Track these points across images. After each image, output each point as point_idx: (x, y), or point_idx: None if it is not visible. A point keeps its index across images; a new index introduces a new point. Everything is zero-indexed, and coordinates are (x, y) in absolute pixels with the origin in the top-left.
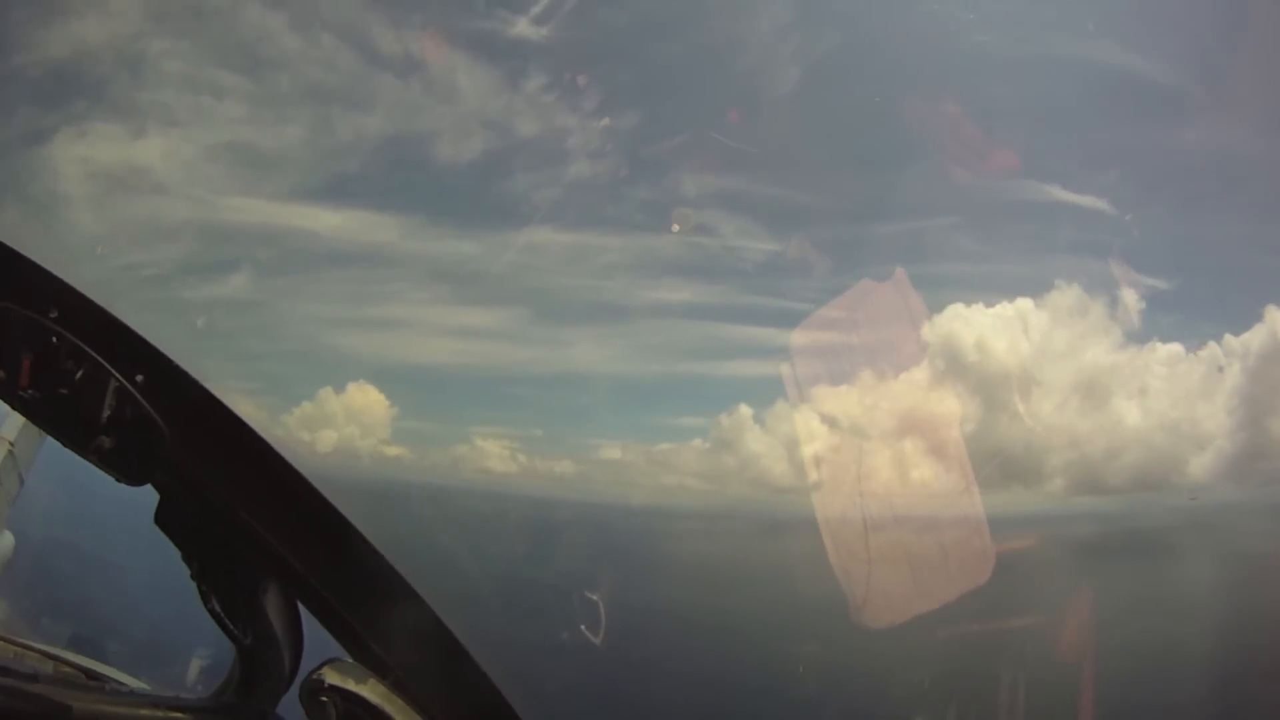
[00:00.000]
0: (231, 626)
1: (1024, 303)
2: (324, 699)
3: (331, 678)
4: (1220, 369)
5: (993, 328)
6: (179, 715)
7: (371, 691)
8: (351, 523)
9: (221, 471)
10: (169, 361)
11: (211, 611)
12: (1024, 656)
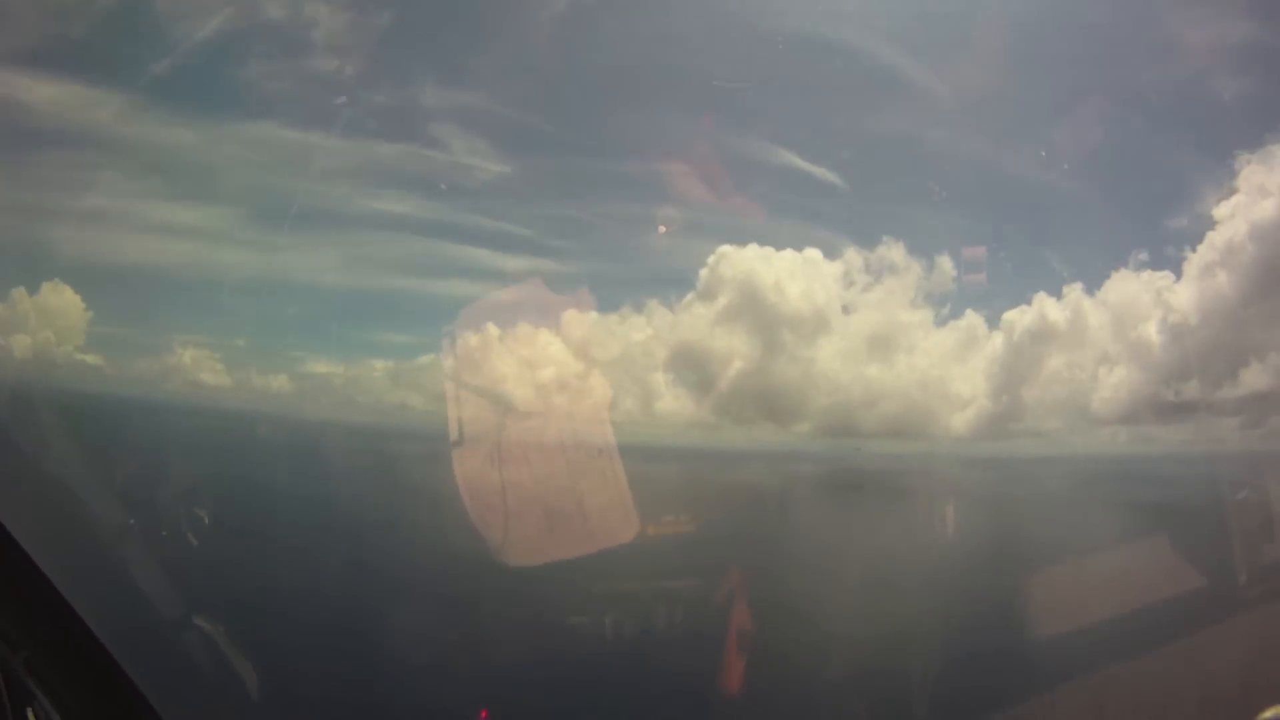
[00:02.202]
0: None
1: (791, 254)
2: None
3: None
4: (977, 339)
5: (763, 273)
6: None
7: None
8: None
9: None
10: None
11: None
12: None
